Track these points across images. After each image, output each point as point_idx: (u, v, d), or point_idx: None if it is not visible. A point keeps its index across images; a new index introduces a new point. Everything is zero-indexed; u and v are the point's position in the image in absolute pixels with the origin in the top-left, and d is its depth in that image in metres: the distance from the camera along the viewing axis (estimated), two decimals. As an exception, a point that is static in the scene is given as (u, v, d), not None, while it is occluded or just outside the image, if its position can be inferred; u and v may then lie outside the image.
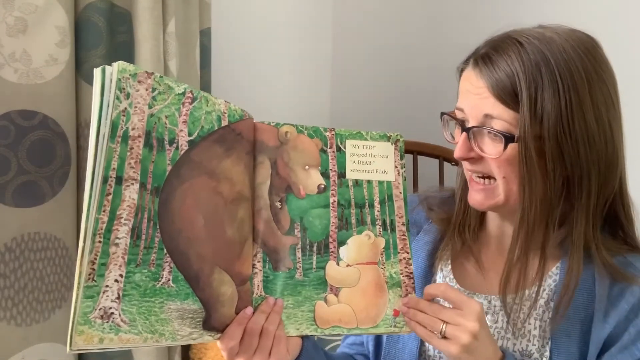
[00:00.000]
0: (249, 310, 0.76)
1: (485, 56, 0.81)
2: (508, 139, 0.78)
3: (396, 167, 0.87)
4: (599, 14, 1.62)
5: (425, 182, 1.61)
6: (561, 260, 0.86)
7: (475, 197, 0.85)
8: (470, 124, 0.82)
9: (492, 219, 0.92)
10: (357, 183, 0.85)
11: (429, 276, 0.93)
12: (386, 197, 0.85)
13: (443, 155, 1.79)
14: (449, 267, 0.93)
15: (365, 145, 0.85)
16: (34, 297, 1.18)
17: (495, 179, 0.82)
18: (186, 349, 1.51)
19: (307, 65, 2.13)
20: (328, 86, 2.21)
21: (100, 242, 0.65)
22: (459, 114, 0.85)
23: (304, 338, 0.85)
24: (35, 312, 1.18)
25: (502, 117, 0.79)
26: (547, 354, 0.83)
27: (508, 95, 0.78)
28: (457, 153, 0.83)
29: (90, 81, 1.26)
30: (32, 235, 1.17)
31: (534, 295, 0.84)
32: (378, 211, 0.85)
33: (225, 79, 1.74)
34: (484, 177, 0.84)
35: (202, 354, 1.45)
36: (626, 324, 0.81)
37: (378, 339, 0.96)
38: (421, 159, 1.83)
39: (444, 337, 0.77)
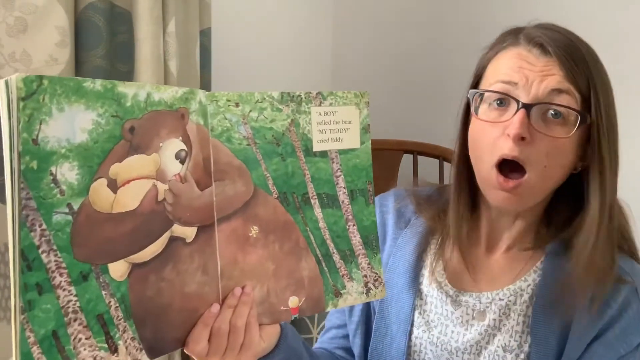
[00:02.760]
0: (214, 308, 0.69)
1: (547, 37, 0.81)
2: (583, 117, 0.78)
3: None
4: (593, 13, 1.62)
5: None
6: (545, 256, 0.87)
7: (503, 197, 0.82)
8: (527, 100, 0.80)
9: (486, 216, 0.92)
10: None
11: (417, 270, 0.93)
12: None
13: (443, 156, 1.78)
14: (440, 263, 0.92)
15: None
16: (34, 297, 1.17)
17: (524, 173, 0.80)
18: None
19: (307, 65, 2.13)
20: (328, 86, 2.21)
21: None
22: (504, 88, 0.81)
23: (282, 324, 0.82)
24: (35, 312, 1.18)
25: (572, 93, 0.79)
26: (527, 348, 0.84)
27: (580, 75, 0.79)
28: (516, 130, 0.78)
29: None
30: (32, 235, 1.17)
31: (521, 289, 0.86)
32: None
33: (225, 79, 1.74)
34: (512, 171, 0.81)
35: (202, 354, 1.45)
36: (611, 322, 0.81)
37: (366, 333, 0.96)
38: (421, 159, 1.83)
39: None
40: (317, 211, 0.78)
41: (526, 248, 0.88)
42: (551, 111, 0.79)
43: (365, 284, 0.81)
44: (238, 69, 1.83)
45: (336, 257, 0.79)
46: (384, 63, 2.13)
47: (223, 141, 0.70)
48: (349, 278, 0.80)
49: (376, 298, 0.82)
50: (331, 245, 0.78)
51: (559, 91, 0.79)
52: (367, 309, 0.96)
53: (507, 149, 0.80)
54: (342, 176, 0.80)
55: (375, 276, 0.82)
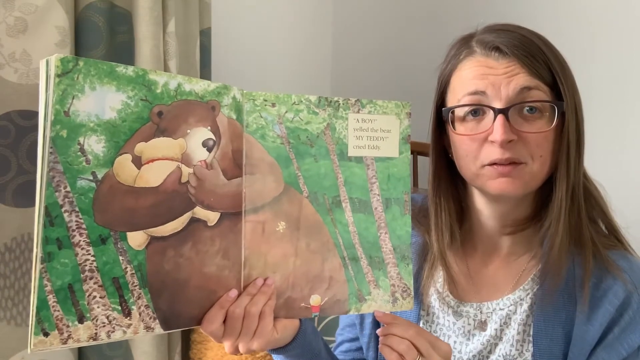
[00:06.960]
0: (233, 293, 0.72)
1: (500, 39, 0.83)
2: (559, 106, 0.80)
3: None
4: (594, 10, 1.62)
5: (425, 182, 1.60)
6: (543, 262, 0.85)
7: (503, 182, 0.81)
8: (500, 105, 0.80)
9: (476, 225, 0.91)
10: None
11: (418, 281, 0.92)
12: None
13: (443, 155, 1.78)
14: (440, 274, 0.92)
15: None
16: (34, 297, 1.18)
17: (522, 163, 0.80)
18: (186, 349, 1.51)
19: (307, 65, 2.13)
20: (328, 86, 2.21)
21: None
22: (474, 99, 0.82)
23: (302, 320, 0.82)
24: (35, 312, 1.18)
25: (541, 87, 0.81)
26: (529, 356, 0.84)
27: (543, 68, 0.81)
28: (502, 137, 0.78)
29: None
30: (32, 235, 1.17)
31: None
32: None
33: (225, 79, 1.73)
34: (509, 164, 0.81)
35: (202, 354, 1.45)
36: (611, 325, 0.81)
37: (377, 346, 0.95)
38: (421, 159, 1.83)
39: None
40: (348, 215, 0.79)
41: (523, 254, 0.87)
42: (526, 108, 0.80)
43: (393, 294, 0.81)
44: (238, 69, 1.83)
45: (364, 262, 0.80)
46: (384, 63, 2.13)
47: (257, 138, 0.75)
48: (375, 285, 0.80)
49: (403, 309, 0.82)
50: (360, 250, 0.79)
51: (528, 89, 0.80)
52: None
53: (497, 154, 0.80)
54: (377, 183, 0.80)
55: (404, 287, 0.82)
